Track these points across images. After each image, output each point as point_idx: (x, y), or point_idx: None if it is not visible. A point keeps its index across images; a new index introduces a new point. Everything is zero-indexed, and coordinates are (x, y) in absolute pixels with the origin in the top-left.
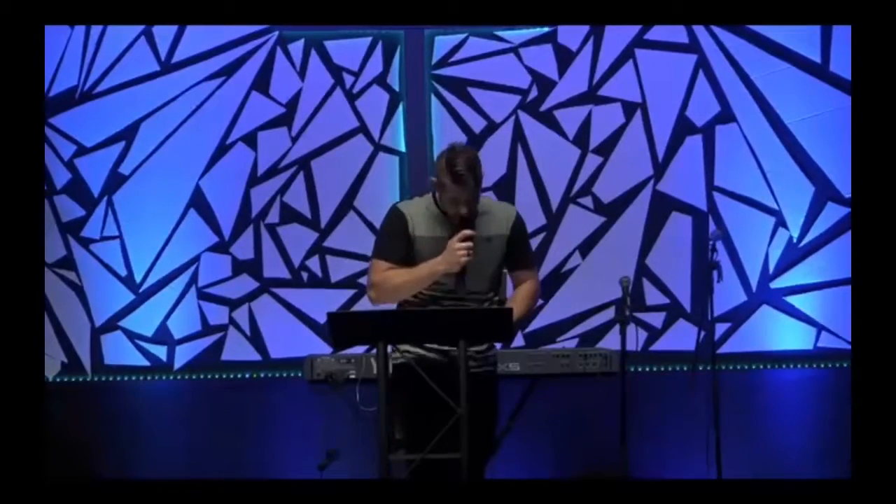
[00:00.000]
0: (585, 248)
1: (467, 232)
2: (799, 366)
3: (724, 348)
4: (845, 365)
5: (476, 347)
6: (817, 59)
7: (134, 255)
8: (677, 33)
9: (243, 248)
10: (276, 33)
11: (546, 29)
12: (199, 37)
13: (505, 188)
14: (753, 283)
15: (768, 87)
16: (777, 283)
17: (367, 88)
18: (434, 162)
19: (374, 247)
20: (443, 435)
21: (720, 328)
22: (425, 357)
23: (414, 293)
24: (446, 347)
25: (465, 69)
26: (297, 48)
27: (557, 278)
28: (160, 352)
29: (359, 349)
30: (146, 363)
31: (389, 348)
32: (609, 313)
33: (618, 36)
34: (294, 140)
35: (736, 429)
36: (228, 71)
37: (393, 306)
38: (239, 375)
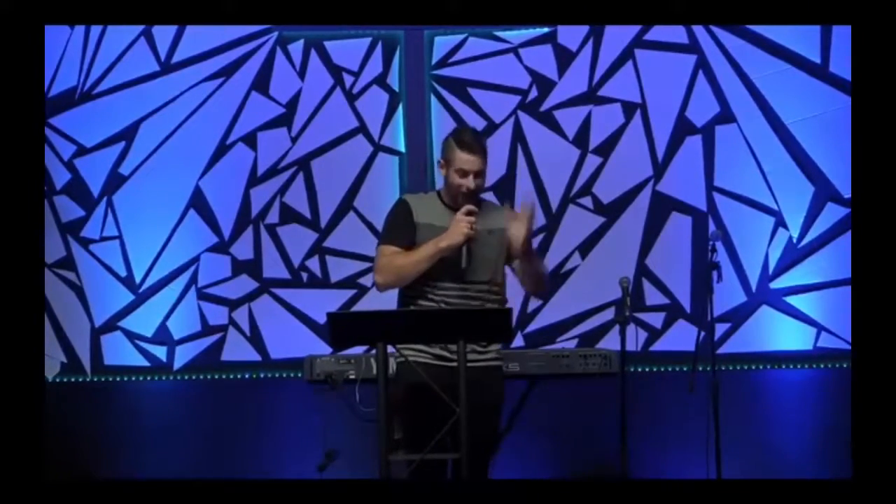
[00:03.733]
0: (585, 248)
1: (470, 207)
2: (799, 366)
3: (724, 348)
4: (845, 365)
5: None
6: (817, 59)
7: (134, 255)
8: (677, 33)
9: (243, 249)
10: (276, 33)
11: (546, 29)
12: (199, 37)
13: (505, 188)
14: (753, 283)
15: (768, 87)
16: (777, 284)
17: (367, 89)
18: (434, 162)
19: (379, 237)
20: (443, 434)
21: (720, 328)
22: (426, 362)
23: (418, 273)
24: (445, 352)
25: (464, 69)
26: (296, 48)
27: (557, 278)
28: (160, 352)
29: (358, 349)
30: (146, 363)
31: (390, 349)
32: (609, 313)
33: (618, 36)
34: (294, 140)
35: (736, 429)
36: (228, 71)
37: (393, 306)
38: (239, 376)
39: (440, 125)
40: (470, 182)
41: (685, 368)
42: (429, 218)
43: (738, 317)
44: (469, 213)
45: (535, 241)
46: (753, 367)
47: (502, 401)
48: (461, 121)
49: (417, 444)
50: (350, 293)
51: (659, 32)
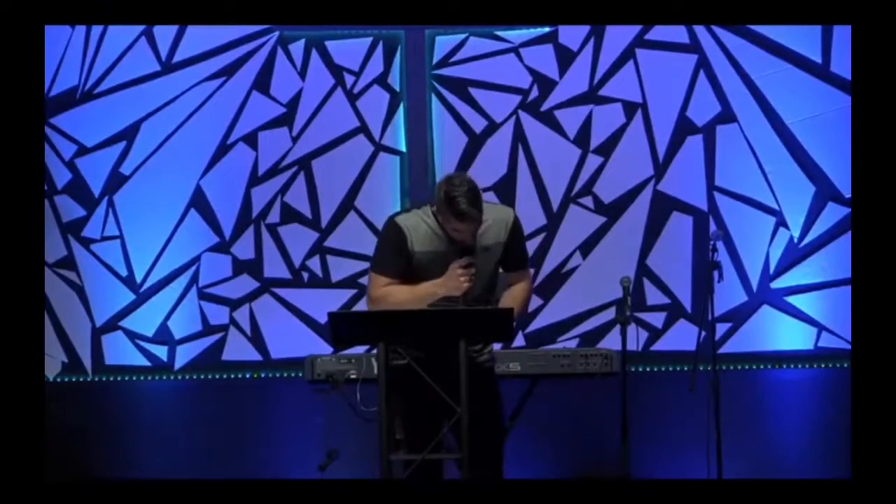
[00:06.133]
0: (586, 248)
1: (468, 259)
2: (799, 366)
3: (725, 348)
4: (845, 365)
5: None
6: (817, 59)
7: (134, 255)
8: (678, 33)
9: (244, 248)
10: (277, 33)
11: (547, 29)
12: (200, 37)
13: (505, 188)
14: (754, 283)
15: (769, 87)
16: (778, 283)
17: (368, 88)
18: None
19: (372, 260)
20: (444, 434)
21: (721, 328)
22: (424, 360)
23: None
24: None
25: (465, 69)
26: (297, 48)
27: (558, 278)
28: (161, 352)
29: (359, 349)
30: (147, 363)
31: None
32: (609, 313)
33: (618, 36)
34: (295, 140)
35: (736, 429)
36: (229, 71)
37: None
38: (239, 375)
39: (441, 125)
40: (467, 238)
41: (686, 368)
42: (425, 245)
43: (738, 316)
44: (467, 265)
45: (536, 242)
46: (754, 367)
47: (497, 397)
48: (462, 120)
49: (416, 445)
50: (351, 293)
51: (660, 32)
